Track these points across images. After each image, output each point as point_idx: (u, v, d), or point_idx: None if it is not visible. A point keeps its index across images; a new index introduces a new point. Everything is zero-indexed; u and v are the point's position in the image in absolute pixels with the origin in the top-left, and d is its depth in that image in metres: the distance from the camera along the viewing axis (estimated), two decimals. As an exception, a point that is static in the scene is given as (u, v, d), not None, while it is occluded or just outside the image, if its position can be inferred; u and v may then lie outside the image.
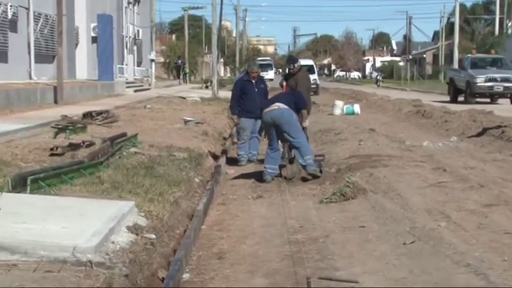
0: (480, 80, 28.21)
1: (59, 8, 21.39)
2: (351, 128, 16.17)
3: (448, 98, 30.59)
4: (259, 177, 9.59)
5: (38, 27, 25.37)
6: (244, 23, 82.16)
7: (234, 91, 11.80)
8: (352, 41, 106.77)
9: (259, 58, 63.95)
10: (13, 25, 23.40)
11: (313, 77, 35.12)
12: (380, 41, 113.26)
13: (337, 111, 22.24)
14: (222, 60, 68.96)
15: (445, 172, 9.19)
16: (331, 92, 43.62)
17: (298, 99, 9.76)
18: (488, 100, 28.72)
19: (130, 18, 42.19)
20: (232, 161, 11.62)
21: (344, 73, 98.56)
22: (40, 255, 4.51)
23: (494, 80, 28.29)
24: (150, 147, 10.69)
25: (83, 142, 10.00)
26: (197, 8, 57.03)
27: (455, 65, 45.39)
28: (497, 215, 6.60)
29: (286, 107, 9.42)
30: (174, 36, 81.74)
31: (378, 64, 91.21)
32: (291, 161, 9.66)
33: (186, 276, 5.19)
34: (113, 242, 5.07)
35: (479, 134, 14.31)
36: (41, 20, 25.68)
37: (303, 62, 39.95)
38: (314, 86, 32.98)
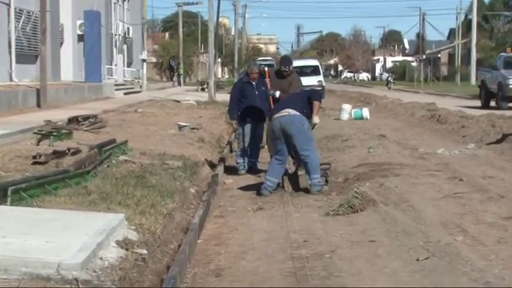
0: None
1: (43, 4, 21.40)
2: (359, 134, 16.18)
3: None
4: (260, 187, 9.57)
5: (20, 25, 25.36)
6: (244, 20, 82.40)
7: (233, 94, 11.82)
8: (361, 39, 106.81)
9: (259, 58, 63.91)
10: (-8, 22, 23.48)
11: (318, 78, 35.23)
12: (391, 39, 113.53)
13: (345, 116, 22.24)
14: (219, 60, 69.17)
15: (462, 182, 9.20)
16: (338, 94, 43.74)
17: (313, 94, 9.82)
18: None
19: (119, 15, 42.27)
20: (231, 170, 11.63)
21: (352, 74, 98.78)
22: (21, 272, 4.51)
23: None
24: (141, 154, 10.71)
25: (69, 149, 10.00)
26: (192, 3, 57.00)
27: (473, 66, 44.98)
28: (518, 229, 6.61)
29: (297, 113, 9.24)
30: (167, 35, 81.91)
31: (389, 64, 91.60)
32: (294, 173, 9.59)
33: (180, 295, 5.20)
34: (101, 258, 5.08)
35: (498, 141, 14.31)
36: (23, 17, 25.69)
37: (307, 62, 40.58)
38: (320, 88, 32.97)
